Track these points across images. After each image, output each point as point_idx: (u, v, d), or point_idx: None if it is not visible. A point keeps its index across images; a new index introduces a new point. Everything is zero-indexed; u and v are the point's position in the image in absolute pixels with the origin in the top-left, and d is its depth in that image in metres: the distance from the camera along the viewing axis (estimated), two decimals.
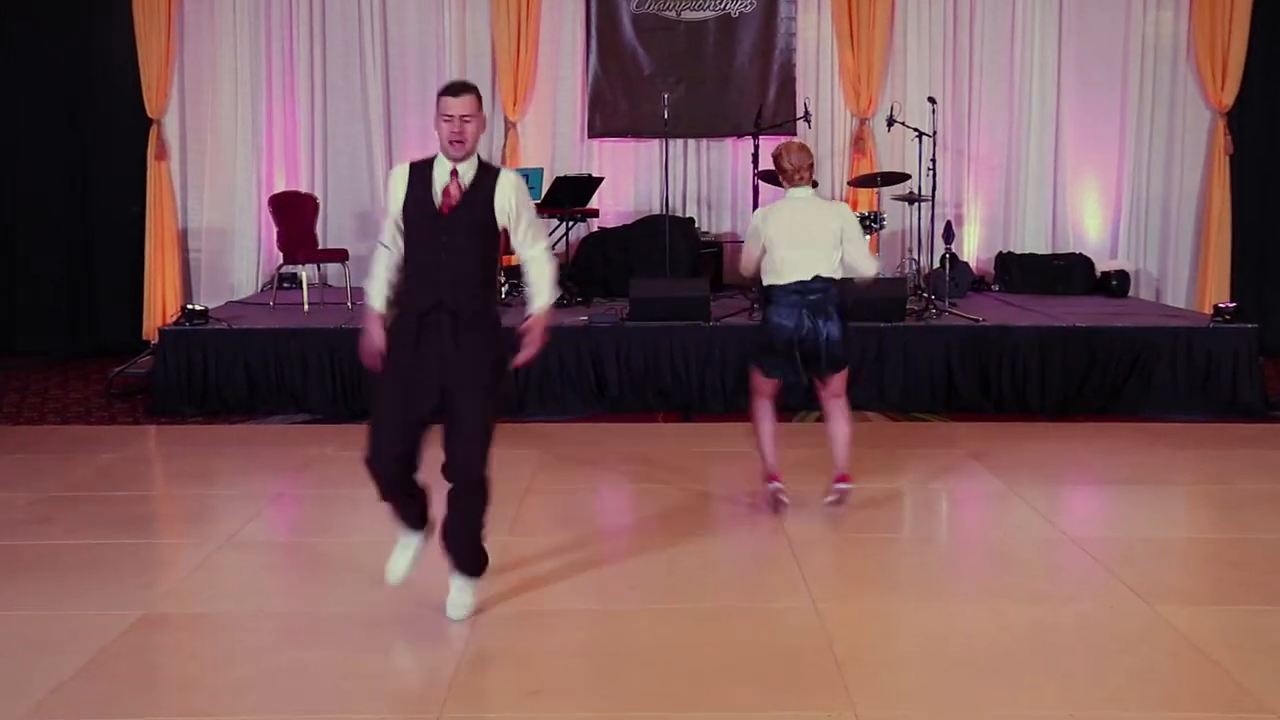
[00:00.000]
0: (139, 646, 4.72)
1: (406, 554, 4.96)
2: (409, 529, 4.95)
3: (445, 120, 4.49)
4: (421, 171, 4.61)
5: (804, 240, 6.15)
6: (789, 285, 6.16)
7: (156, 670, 4.61)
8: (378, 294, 4.69)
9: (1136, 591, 5.21)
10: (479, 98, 4.57)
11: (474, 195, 4.55)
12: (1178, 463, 7.73)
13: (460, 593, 4.89)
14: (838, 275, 6.24)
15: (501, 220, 4.60)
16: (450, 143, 4.51)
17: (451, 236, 4.50)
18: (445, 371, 4.53)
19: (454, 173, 4.55)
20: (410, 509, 4.89)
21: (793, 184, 6.30)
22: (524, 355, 4.68)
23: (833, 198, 11.92)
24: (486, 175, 4.61)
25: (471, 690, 4.32)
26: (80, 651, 4.59)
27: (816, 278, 6.14)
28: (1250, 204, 12.00)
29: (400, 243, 4.67)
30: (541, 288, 4.75)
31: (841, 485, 6.41)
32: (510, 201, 4.60)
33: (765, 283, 6.30)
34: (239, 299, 11.43)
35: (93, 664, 4.49)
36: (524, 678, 4.44)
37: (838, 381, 6.37)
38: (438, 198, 4.54)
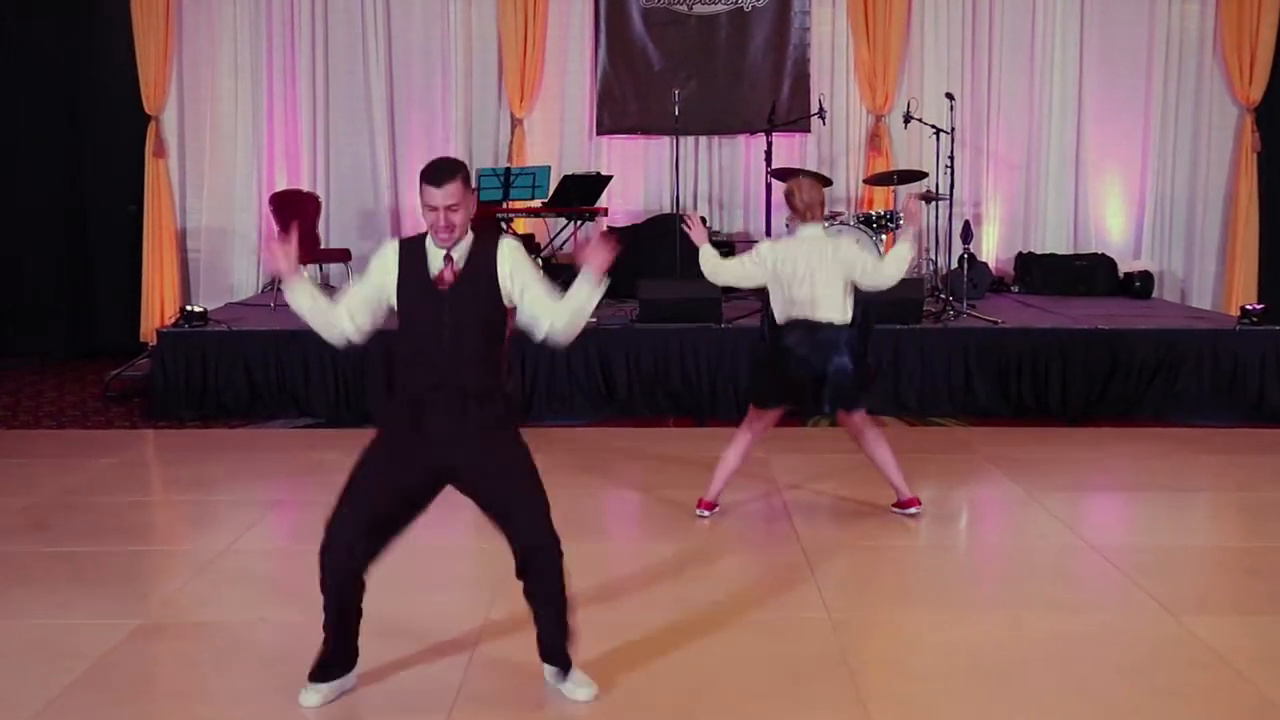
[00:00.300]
0: (137, 656, 4.66)
1: (315, 697, 4.29)
2: (323, 675, 4.31)
3: (430, 210, 4.13)
4: (413, 249, 4.25)
5: (814, 282, 6.09)
6: (798, 322, 6.11)
7: (155, 680, 4.55)
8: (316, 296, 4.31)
9: (1159, 601, 5.14)
10: (465, 178, 4.18)
11: (474, 269, 4.20)
12: (1202, 469, 7.64)
13: (572, 683, 4.36)
14: (848, 320, 6.16)
15: (506, 288, 4.22)
16: (437, 234, 4.16)
17: (455, 315, 4.15)
18: (448, 452, 4.17)
19: (448, 257, 4.19)
20: (343, 631, 4.29)
21: (804, 221, 6.20)
22: (598, 262, 4.17)
23: (848, 197, 11.84)
24: (485, 247, 4.24)
25: (477, 701, 4.25)
26: (77, 661, 4.53)
27: (826, 321, 6.08)
28: (1278, 202, 11.88)
29: (358, 320, 4.27)
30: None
31: (911, 510, 6.41)
32: (510, 268, 4.21)
33: (776, 319, 6.25)
34: (239, 300, 11.39)
35: (90, 674, 4.45)
36: (531, 688, 4.35)
37: (856, 420, 6.30)
38: (434, 274, 4.20)
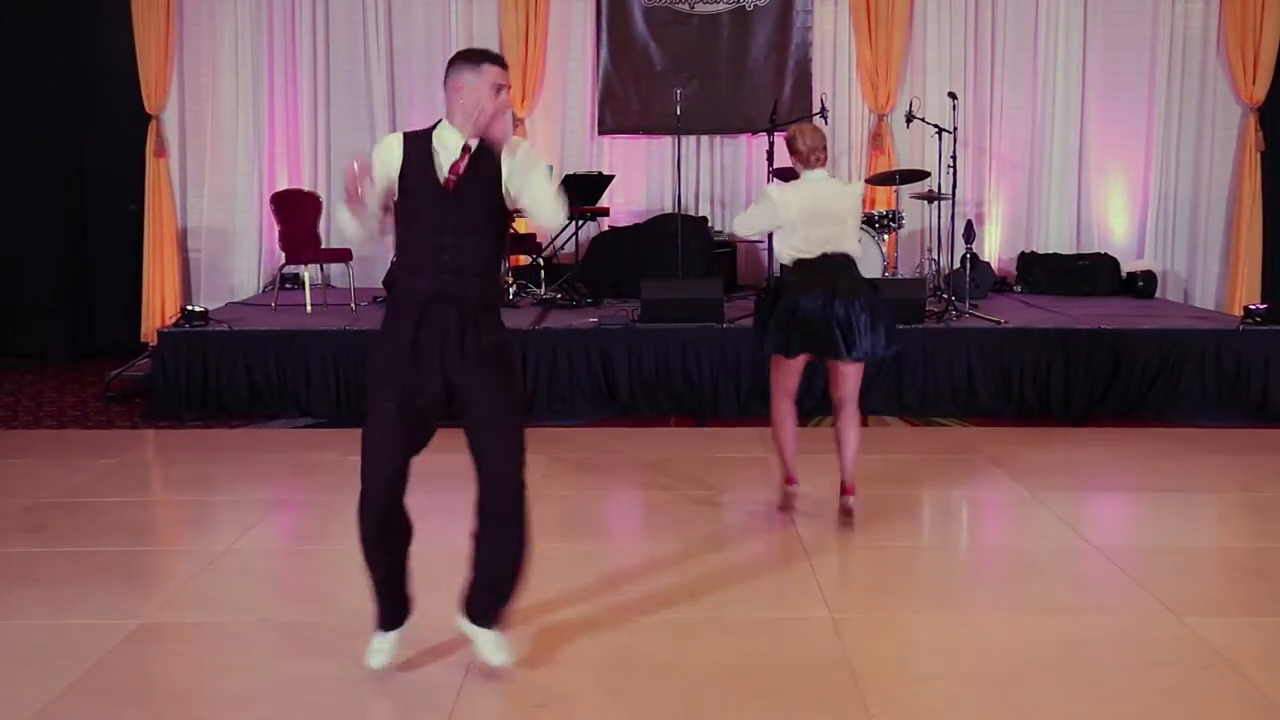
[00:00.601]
0: (137, 657, 4.67)
1: (384, 655, 4.44)
2: (390, 623, 4.44)
3: (495, 90, 4.07)
4: (418, 143, 4.16)
5: (826, 218, 6.12)
6: (814, 260, 6.10)
7: (155, 681, 4.55)
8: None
9: (1164, 602, 5.13)
10: None
11: (481, 169, 4.13)
12: (1206, 469, 7.60)
13: (491, 644, 4.38)
14: (859, 255, 6.23)
15: (507, 187, 4.17)
16: (492, 118, 4.08)
17: (459, 215, 4.08)
18: (450, 369, 4.11)
19: (467, 147, 4.12)
20: (398, 576, 4.41)
21: (808, 166, 6.22)
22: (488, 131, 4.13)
23: None
24: (491, 149, 4.16)
25: (477, 702, 4.25)
26: (77, 662, 4.54)
27: (841, 254, 6.12)
28: None
29: (375, 220, 4.18)
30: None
31: (847, 498, 6.33)
32: (509, 168, 4.15)
33: (787, 261, 6.23)
34: (240, 300, 11.40)
35: (89, 675, 4.45)
36: (531, 689, 4.35)
37: (852, 379, 6.26)
38: (442, 173, 4.10)
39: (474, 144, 4.11)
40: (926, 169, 10.76)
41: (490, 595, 4.33)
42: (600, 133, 12.05)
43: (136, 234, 11.73)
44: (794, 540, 6.02)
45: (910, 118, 10.49)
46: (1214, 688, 4.34)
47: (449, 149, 4.10)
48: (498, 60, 4.15)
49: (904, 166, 11.26)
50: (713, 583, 5.47)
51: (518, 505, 4.20)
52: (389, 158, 4.14)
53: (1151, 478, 7.44)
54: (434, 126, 4.18)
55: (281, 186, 11.56)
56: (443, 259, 4.07)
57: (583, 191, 10.59)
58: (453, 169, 4.08)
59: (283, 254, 10.48)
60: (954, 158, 10.08)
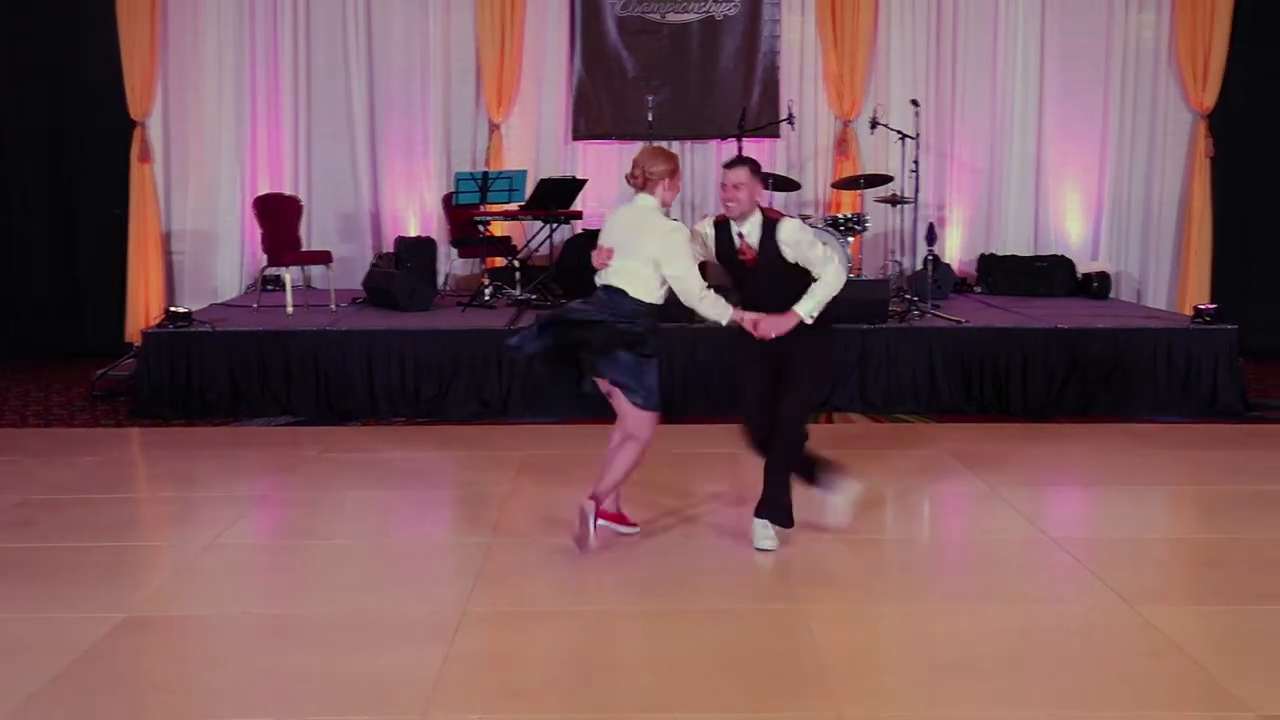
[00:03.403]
0: (122, 650, 4.70)
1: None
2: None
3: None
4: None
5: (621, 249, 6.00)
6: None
7: (139, 674, 4.58)
8: None
9: (1117, 592, 5.25)
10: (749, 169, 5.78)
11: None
12: (1158, 463, 7.75)
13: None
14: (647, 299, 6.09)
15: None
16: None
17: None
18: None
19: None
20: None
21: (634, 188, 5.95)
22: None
23: (816, 200, 12.03)
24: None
25: (455, 692, 4.32)
26: (62, 655, 4.58)
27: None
28: (1231, 206, 12.05)
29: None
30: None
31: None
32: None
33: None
34: (222, 301, 11.41)
35: (75, 667, 4.49)
36: (507, 679, 4.45)
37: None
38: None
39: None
40: (890, 174, 10.92)
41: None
42: (574, 138, 12.13)
43: (121, 237, 11.72)
44: None
45: (874, 124, 10.65)
46: (1163, 673, 4.46)
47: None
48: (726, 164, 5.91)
49: (868, 171, 11.43)
50: (682, 575, 5.55)
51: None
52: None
53: (1106, 472, 7.57)
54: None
55: (263, 190, 11.59)
56: None
57: (557, 195, 10.69)
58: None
59: (264, 256, 10.56)
60: (916, 163, 10.25)
